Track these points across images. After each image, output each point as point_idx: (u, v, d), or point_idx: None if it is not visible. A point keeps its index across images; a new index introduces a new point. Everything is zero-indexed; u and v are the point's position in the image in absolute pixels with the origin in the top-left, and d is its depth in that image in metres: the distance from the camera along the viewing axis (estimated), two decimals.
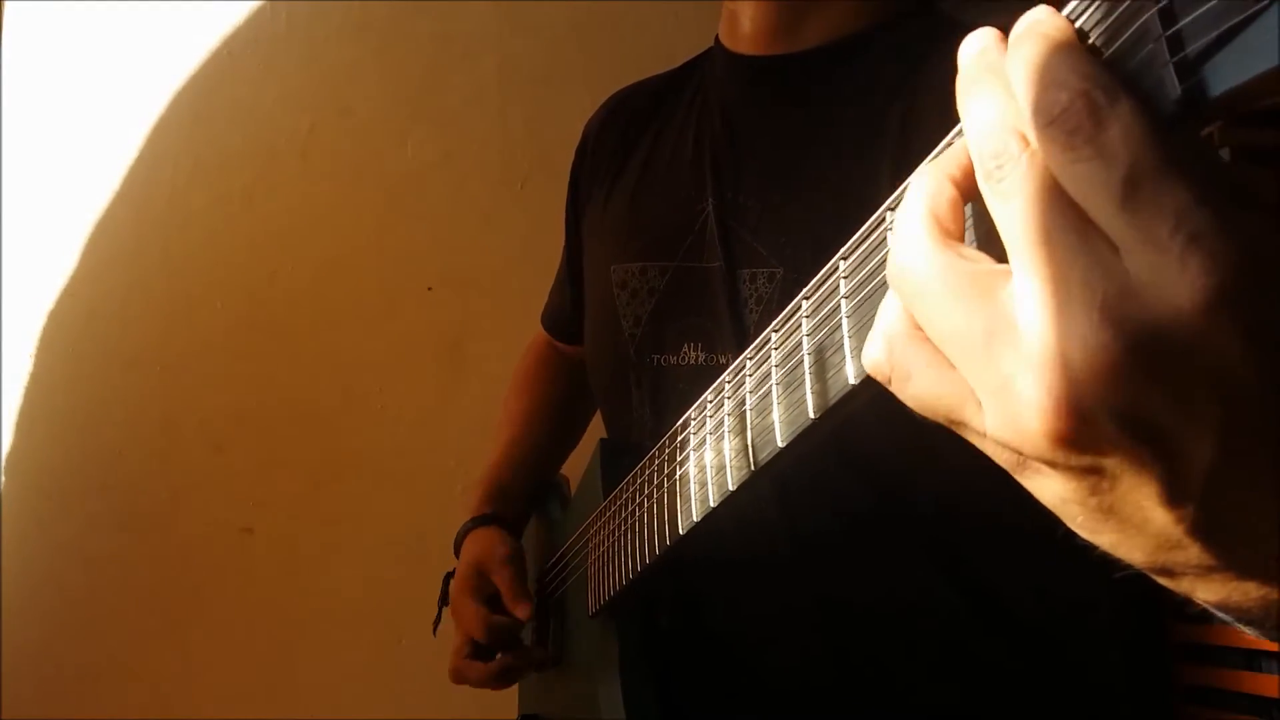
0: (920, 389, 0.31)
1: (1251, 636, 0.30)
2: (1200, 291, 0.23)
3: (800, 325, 0.43)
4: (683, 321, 0.82)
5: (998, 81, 0.28)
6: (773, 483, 0.74)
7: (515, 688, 1.09)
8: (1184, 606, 0.31)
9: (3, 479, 1.62)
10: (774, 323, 0.47)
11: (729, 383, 0.54)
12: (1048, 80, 0.26)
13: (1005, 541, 0.74)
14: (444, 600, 1.00)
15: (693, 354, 0.81)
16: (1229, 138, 1.22)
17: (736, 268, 0.78)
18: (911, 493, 0.73)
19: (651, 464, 0.66)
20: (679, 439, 0.61)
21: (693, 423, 0.59)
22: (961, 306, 0.28)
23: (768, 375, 0.47)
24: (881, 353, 0.32)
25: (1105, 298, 0.25)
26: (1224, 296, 0.23)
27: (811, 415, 0.41)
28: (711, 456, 0.55)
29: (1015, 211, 0.27)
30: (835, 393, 0.39)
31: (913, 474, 0.72)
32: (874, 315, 0.33)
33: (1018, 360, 0.27)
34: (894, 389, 0.32)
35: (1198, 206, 0.23)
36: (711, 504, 0.55)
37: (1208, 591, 0.29)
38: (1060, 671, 0.75)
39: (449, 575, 1.00)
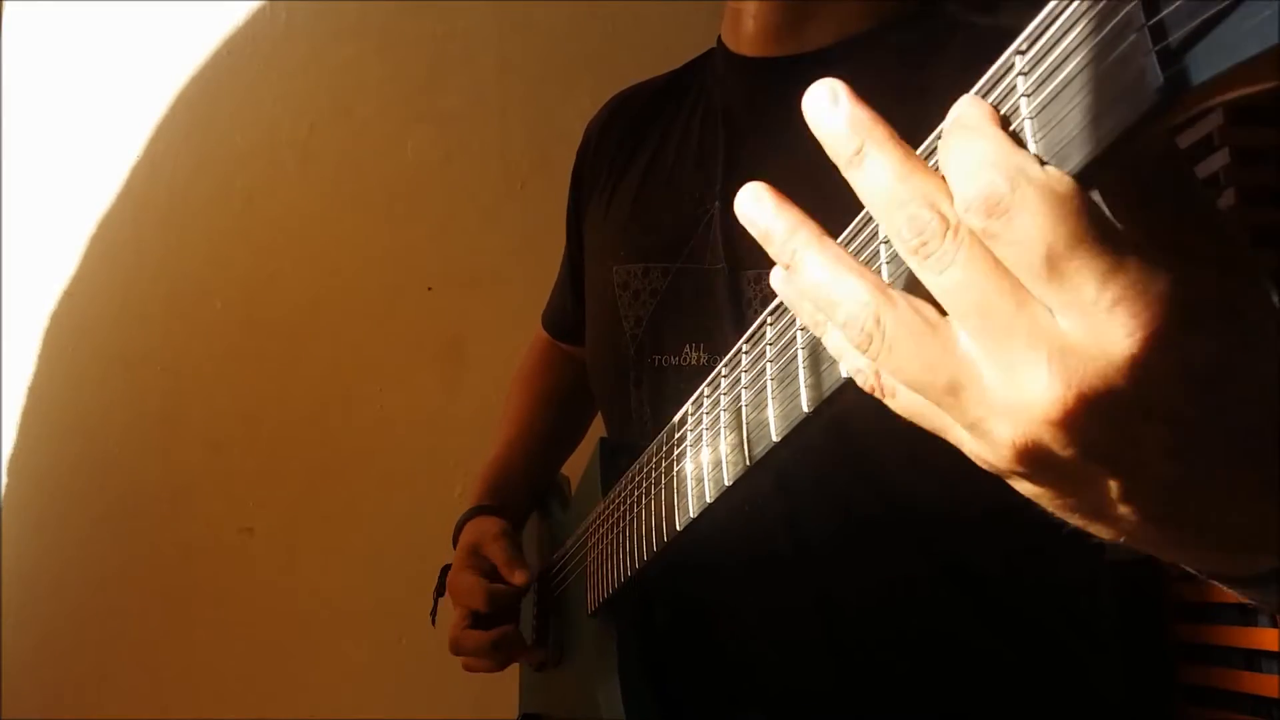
0: (905, 403, 0.34)
1: (1248, 619, 0.35)
2: (1131, 345, 0.26)
3: (795, 319, 0.43)
4: (684, 323, 0.81)
5: (888, 144, 0.31)
6: (773, 482, 0.74)
7: (514, 689, 1.10)
8: (1183, 605, 0.35)
9: (4, 479, 1.62)
10: (768, 317, 0.47)
11: (725, 377, 0.53)
12: (961, 171, 0.28)
13: (1006, 540, 0.74)
14: (440, 591, 1.00)
15: (694, 355, 0.80)
16: (1229, 137, 1.21)
17: (740, 269, 0.78)
18: (912, 491, 0.73)
19: (649, 461, 0.66)
20: (676, 435, 0.61)
21: (690, 419, 0.59)
22: (925, 362, 0.31)
23: (762, 370, 0.47)
24: (869, 367, 0.34)
25: (1050, 355, 0.27)
26: (1152, 346, 0.26)
27: (805, 409, 0.41)
28: (708, 453, 0.55)
29: (951, 284, 0.29)
30: (829, 385, 0.39)
31: (913, 473, 0.72)
32: None
33: (984, 406, 0.30)
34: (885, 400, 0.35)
35: (1115, 273, 0.26)
36: (708, 500, 0.54)
37: (1193, 562, 0.32)
38: (1061, 672, 0.75)
39: (446, 567, 1.00)
